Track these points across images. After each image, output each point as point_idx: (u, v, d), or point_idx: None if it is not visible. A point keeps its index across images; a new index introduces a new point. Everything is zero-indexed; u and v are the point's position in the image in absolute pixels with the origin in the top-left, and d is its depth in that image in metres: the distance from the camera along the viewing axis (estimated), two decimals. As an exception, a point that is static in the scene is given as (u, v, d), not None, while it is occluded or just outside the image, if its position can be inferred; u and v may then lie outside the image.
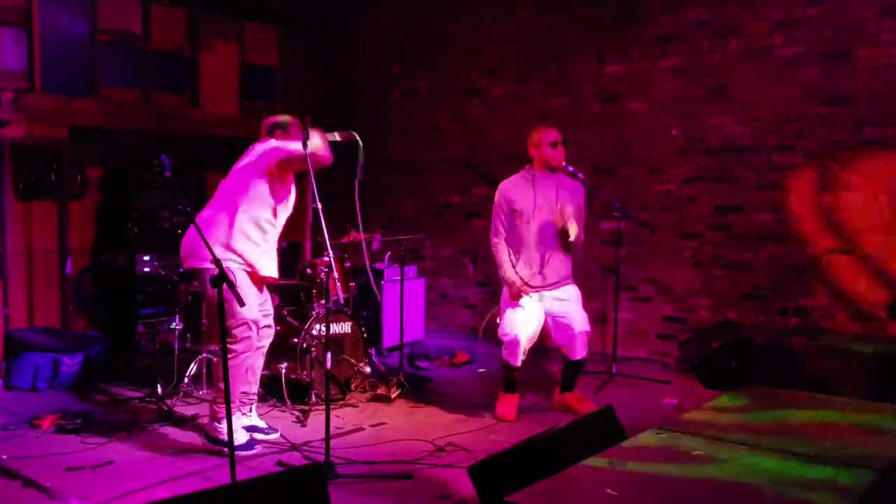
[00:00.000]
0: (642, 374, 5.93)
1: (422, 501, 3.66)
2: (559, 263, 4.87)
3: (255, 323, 4.25)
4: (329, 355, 3.95)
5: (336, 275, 3.97)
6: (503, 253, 4.92)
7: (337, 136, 4.24)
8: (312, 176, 4.10)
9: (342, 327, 5.32)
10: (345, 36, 8.33)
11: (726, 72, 6.08)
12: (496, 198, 4.96)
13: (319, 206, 3.99)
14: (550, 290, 4.86)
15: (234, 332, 4.17)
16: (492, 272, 6.49)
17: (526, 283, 4.83)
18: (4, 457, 4.07)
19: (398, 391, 5.32)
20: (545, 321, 4.91)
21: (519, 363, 4.86)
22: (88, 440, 4.36)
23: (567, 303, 4.87)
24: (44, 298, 6.21)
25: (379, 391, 5.33)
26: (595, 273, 6.65)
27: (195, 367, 5.24)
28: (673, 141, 6.37)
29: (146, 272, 6.31)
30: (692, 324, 6.31)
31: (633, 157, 6.56)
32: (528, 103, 7.02)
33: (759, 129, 5.97)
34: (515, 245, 4.89)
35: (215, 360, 4.22)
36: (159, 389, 5.08)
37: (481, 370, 6.11)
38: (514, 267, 4.87)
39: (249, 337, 4.22)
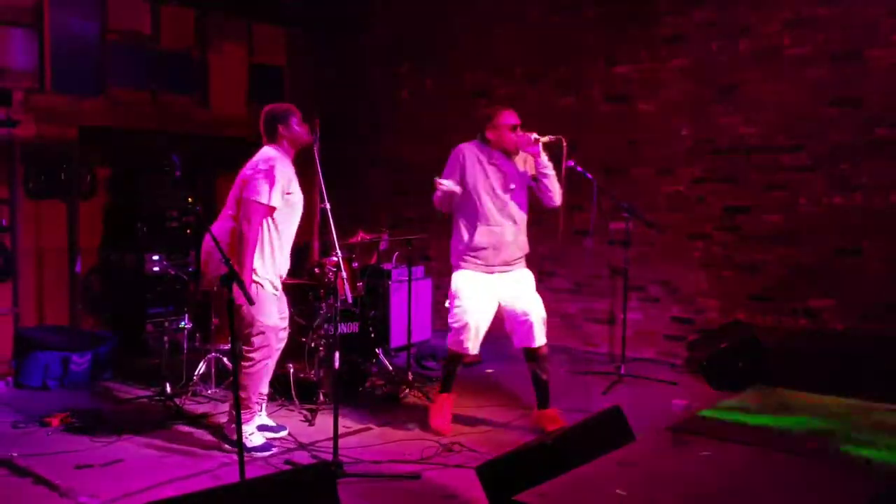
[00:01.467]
0: (650, 375, 5.91)
1: (429, 501, 3.66)
2: (513, 244, 4.62)
3: (274, 329, 4.28)
4: (337, 355, 3.96)
5: (344, 274, 3.98)
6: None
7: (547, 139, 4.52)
8: (321, 176, 4.11)
9: (350, 327, 5.33)
10: (352, 35, 8.34)
11: (735, 72, 6.06)
12: (453, 154, 4.71)
13: (328, 205, 4.00)
14: (504, 271, 4.61)
15: (252, 339, 4.21)
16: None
17: (481, 263, 4.59)
18: (15, 454, 4.09)
19: (406, 391, 5.33)
20: (498, 309, 4.63)
21: (470, 351, 4.58)
22: (98, 438, 4.38)
23: (520, 286, 4.61)
24: (53, 297, 6.24)
25: (386, 391, 5.34)
26: (603, 273, 6.64)
27: (204, 366, 5.27)
28: (682, 141, 6.36)
29: (155, 271, 6.33)
30: (700, 324, 6.29)
31: (641, 157, 6.55)
32: (536, 104, 7.00)
33: (767, 130, 5.95)
34: (469, 221, 4.65)
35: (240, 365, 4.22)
36: (168, 388, 5.10)
37: (489, 370, 6.10)
38: (469, 243, 4.61)
39: (268, 345, 4.25)
